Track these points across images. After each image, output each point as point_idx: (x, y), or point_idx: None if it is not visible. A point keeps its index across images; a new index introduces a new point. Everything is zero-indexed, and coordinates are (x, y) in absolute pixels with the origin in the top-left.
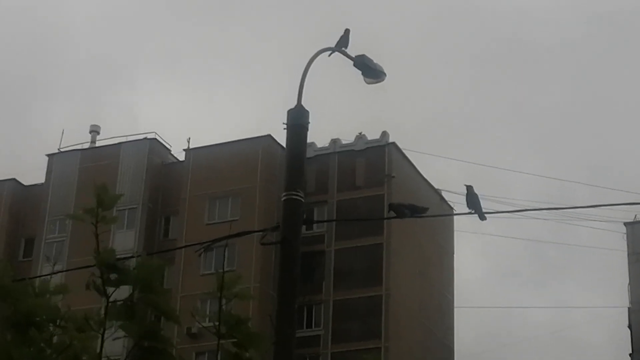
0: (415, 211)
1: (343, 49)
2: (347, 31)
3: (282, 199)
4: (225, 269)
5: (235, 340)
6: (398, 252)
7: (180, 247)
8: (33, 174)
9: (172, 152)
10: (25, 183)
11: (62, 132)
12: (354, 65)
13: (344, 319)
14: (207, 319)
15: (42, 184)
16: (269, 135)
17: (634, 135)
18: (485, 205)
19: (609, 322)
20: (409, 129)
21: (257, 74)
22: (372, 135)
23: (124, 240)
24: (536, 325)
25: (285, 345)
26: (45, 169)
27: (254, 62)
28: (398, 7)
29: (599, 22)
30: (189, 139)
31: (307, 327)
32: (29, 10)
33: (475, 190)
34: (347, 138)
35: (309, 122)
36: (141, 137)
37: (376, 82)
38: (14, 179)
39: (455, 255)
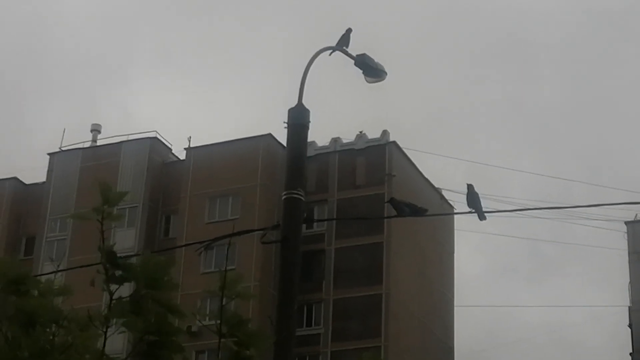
0: (415, 211)
1: (344, 48)
2: (348, 30)
3: (283, 198)
4: (228, 268)
5: (236, 339)
6: (398, 251)
7: (181, 246)
8: (33, 172)
9: (172, 151)
10: (26, 182)
11: (64, 131)
12: (355, 64)
13: (343, 318)
14: (207, 318)
15: (43, 182)
16: (270, 134)
17: (633, 133)
18: (484, 205)
19: (608, 321)
20: (409, 127)
21: (258, 73)
22: (373, 134)
23: (125, 239)
24: (535, 324)
25: (284, 344)
26: (46, 168)
27: (254, 60)
28: (398, 7)
29: (598, 20)
30: (190, 137)
31: (307, 326)
32: (24, 8)
33: (476, 190)
34: (348, 137)
35: (309, 121)
36: (142, 136)
37: (377, 81)
38: (15, 178)
39: (455, 254)
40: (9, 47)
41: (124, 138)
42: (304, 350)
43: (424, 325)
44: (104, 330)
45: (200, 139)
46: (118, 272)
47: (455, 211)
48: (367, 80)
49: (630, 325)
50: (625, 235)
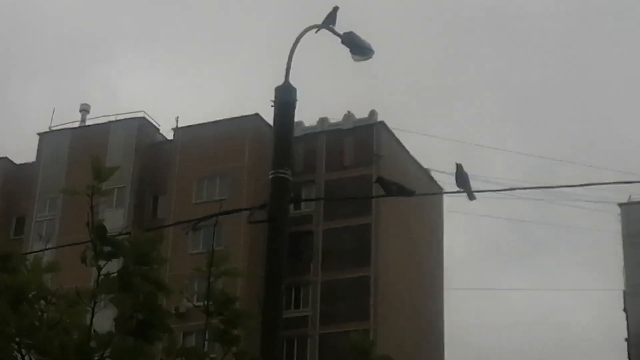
0: (403, 191)
1: (331, 26)
2: (335, 8)
3: (270, 178)
4: (216, 249)
5: (223, 317)
6: (387, 232)
7: (169, 225)
8: (23, 153)
9: (160, 131)
10: (16, 162)
11: (53, 111)
12: (342, 42)
13: (332, 300)
14: (195, 298)
15: (33, 162)
16: (257, 115)
17: (621, 111)
18: (473, 185)
19: (602, 305)
20: (396, 106)
21: (245, 51)
22: (360, 114)
23: (113, 219)
24: (525, 307)
25: (272, 325)
26: (36, 148)
27: (240, 38)
28: None
29: None
30: (177, 117)
31: (295, 308)
32: None
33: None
34: (335, 117)
35: (296, 100)
36: (130, 116)
37: (364, 59)
38: (6, 158)
39: (445, 236)
40: None
41: (113, 118)
42: (292, 333)
43: (413, 308)
44: (92, 306)
45: (187, 118)
46: (107, 248)
47: (445, 192)
48: (354, 59)
49: (625, 310)
50: (619, 217)
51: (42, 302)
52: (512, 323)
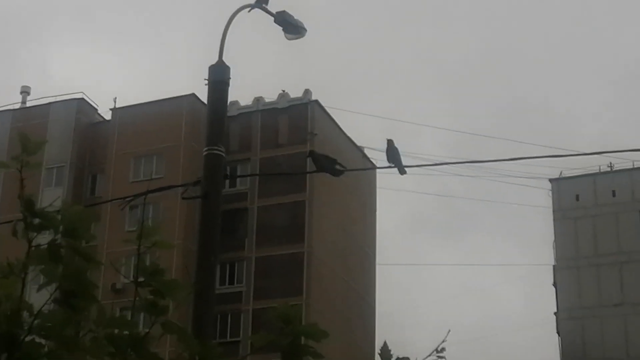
0: (334, 168)
1: (263, 5)
2: None
3: (204, 154)
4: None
5: (152, 288)
6: (320, 209)
7: (105, 202)
8: None
9: (99, 112)
10: None
11: None
12: (275, 21)
13: (266, 276)
14: (131, 274)
15: None
16: (193, 94)
17: (547, 86)
18: (403, 161)
19: (531, 281)
20: (328, 84)
21: (180, 31)
22: (295, 92)
23: (52, 198)
24: (455, 283)
25: (204, 299)
26: None
27: (175, 17)
28: None
29: None
30: (115, 98)
31: (229, 284)
32: None
33: (396, 145)
34: (270, 96)
35: (229, 78)
36: (69, 97)
37: (297, 38)
38: None
39: (377, 213)
40: None
41: (52, 99)
42: (226, 308)
43: (346, 283)
44: (22, 276)
45: (125, 98)
46: (36, 220)
47: (377, 171)
48: (287, 37)
49: (554, 284)
50: (550, 192)
51: None
52: (441, 297)
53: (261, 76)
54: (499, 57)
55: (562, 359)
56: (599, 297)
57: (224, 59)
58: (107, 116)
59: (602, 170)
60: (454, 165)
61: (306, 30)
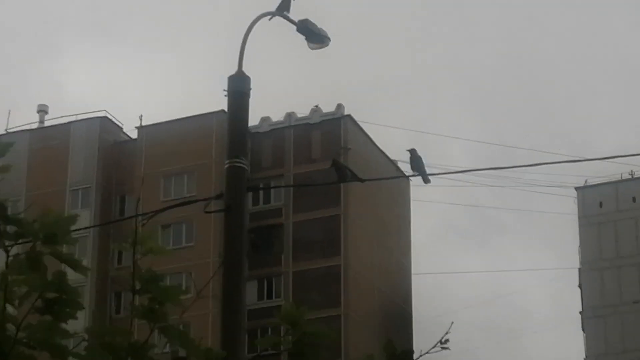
0: (355, 177)
1: (285, 13)
2: None
3: (225, 167)
4: (186, 245)
5: (150, 295)
6: (355, 222)
7: (126, 218)
8: None
9: (124, 130)
10: None
11: (9, 113)
12: (297, 30)
13: (303, 290)
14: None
15: None
16: (223, 111)
17: (574, 94)
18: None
19: (558, 283)
20: (357, 97)
21: (198, 42)
22: (323, 105)
23: (79, 220)
24: (486, 289)
25: (233, 315)
26: None
27: (193, 29)
28: None
29: None
30: (141, 116)
31: (267, 298)
32: None
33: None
34: (296, 109)
35: (250, 89)
36: (91, 115)
37: (320, 48)
38: None
39: (412, 224)
40: None
41: (73, 118)
42: (266, 323)
43: (383, 293)
44: (4, 288)
45: (144, 113)
46: (11, 228)
47: (410, 183)
48: (310, 47)
49: (580, 286)
50: (576, 200)
51: None
52: (474, 302)
53: (286, 89)
54: (526, 67)
55: (587, 354)
56: (620, 295)
57: (244, 69)
58: (132, 134)
59: (623, 178)
60: (483, 176)
61: (330, 39)
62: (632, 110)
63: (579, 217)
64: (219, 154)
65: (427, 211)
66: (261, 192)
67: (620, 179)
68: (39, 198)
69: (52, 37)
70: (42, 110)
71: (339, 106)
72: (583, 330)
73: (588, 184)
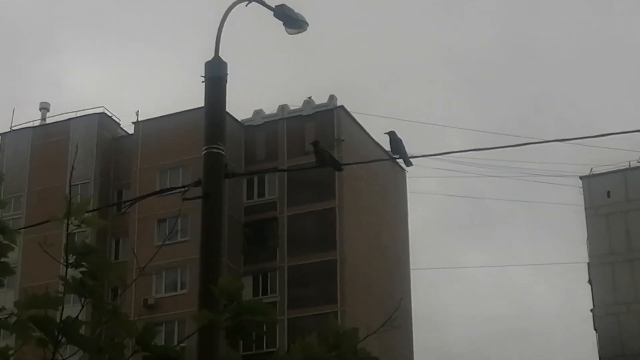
0: (335, 163)
1: None
2: None
3: (203, 153)
4: (181, 240)
5: (83, 269)
6: (351, 215)
7: (107, 206)
8: None
9: (121, 126)
10: None
11: (13, 111)
12: (274, 15)
13: (299, 285)
14: (163, 290)
15: None
16: None
17: (569, 81)
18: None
19: (566, 278)
20: (351, 88)
21: (183, 32)
22: (320, 98)
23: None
24: (488, 283)
25: (209, 302)
26: None
27: (178, 19)
28: None
29: None
30: (138, 111)
31: (263, 294)
32: None
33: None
34: (295, 103)
35: (227, 74)
36: (90, 112)
37: (298, 33)
38: None
39: (409, 217)
40: None
41: (73, 115)
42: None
43: (381, 288)
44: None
45: (145, 110)
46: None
47: (406, 174)
48: (287, 32)
49: (589, 282)
50: (581, 190)
51: None
52: (476, 297)
53: (279, 80)
54: (522, 53)
55: (600, 354)
56: (634, 292)
57: (224, 55)
58: (130, 130)
59: (632, 166)
60: (482, 166)
61: (308, 24)
62: (636, 98)
63: (586, 208)
64: None
65: (425, 203)
66: (255, 186)
67: (628, 166)
68: (41, 194)
69: (51, 36)
70: (44, 108)
71: (332, 97)
72: (595, 329)
73: (594, 172)
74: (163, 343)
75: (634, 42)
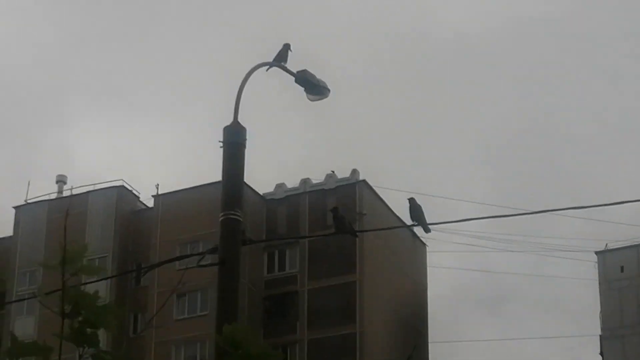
0: (352, 230)
1: (282, 63)
2: (285, 46)
3: (220, 219)
4: (200, 314)
5: (81, 318)
6: (371, 289)
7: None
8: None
9: (140, 199)
10: None
11: (28, 184)
12: (296, 81)
13: (319, 358)
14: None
15: (10, 236)
16: None
17: (585, 155)
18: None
19: (577, 352)
20: (373, 161)
21: (201, 101)
22: (342, 173)
23: (95, 290)
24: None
25: None
26: (12, 222)
27: (195, 88)
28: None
29: (536, 26)
30: (158, 185)
31: None
32: None
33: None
34: (318, 177)
35: (245, 139)
36: (108, 185)
37: (319, 99)
38: None
39: (428, 292)
40: None
41: (91, 188)
42: None
43: None
44: None
45: (165, 183)
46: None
47: (427, 248)
48: (309, 98)
49: (601, 354)
50: (596, 265)
51: None
52: None
53: (300, 154)
54: (539, 130)
55: None
56: None
57: (239, 119)
58: (149, 203)
59: None
60: (497, 241)
61: (329, 90)
62: None
63: (600, 282)
64: None
65: (441, 277)
66: (276, 259)
67: None
68: (57, 268)
69: (62, 105)
70: (61, 181)
71: (354, 171)
72: None
73: (609, 247)
74: None
75: None
